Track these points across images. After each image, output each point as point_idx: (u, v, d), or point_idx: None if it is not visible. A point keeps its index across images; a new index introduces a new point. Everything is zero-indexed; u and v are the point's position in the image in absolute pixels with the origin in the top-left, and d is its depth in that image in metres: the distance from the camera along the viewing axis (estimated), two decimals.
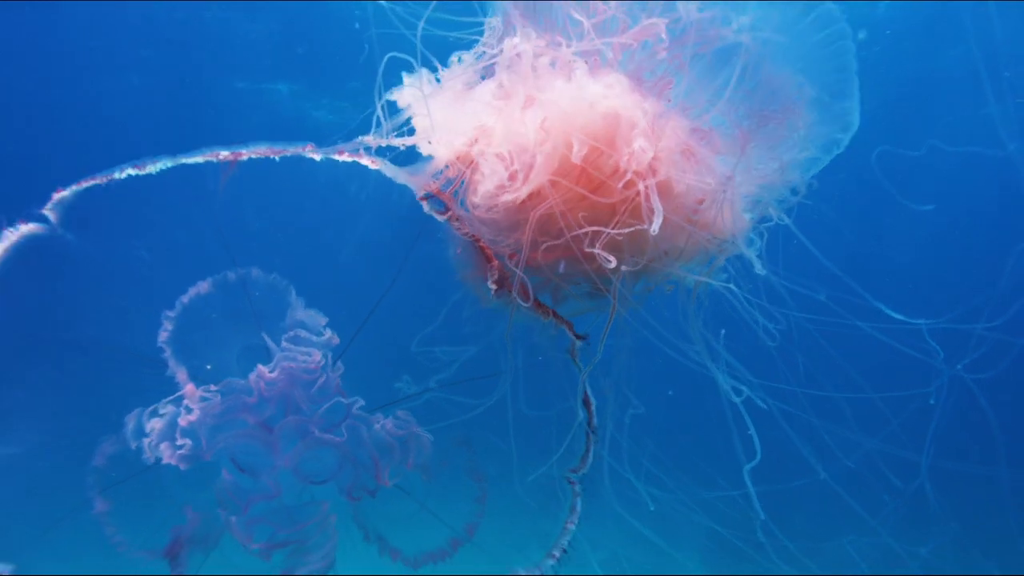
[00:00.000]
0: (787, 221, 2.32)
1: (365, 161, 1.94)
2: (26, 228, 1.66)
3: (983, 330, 3.07)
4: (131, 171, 1.70)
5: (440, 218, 2.00)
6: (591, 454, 2.06)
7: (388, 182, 1.93)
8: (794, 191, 2.29)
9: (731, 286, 2.21)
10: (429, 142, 2.04)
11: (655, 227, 1.79)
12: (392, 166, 2.04)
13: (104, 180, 1.73)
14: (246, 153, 1.81)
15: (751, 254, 2.19)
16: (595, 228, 1.91)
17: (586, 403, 2.05)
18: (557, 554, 1.97)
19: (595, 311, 2.32)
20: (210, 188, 1.81)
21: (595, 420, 2.07)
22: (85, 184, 1.73)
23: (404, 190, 1.95)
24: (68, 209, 1.69)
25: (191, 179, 1.80)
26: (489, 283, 2.00)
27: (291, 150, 1.87)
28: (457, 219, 2.01)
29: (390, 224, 2.00)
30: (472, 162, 2.02)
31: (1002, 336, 3.08)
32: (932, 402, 2.95)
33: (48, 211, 1.68)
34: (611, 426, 2.35)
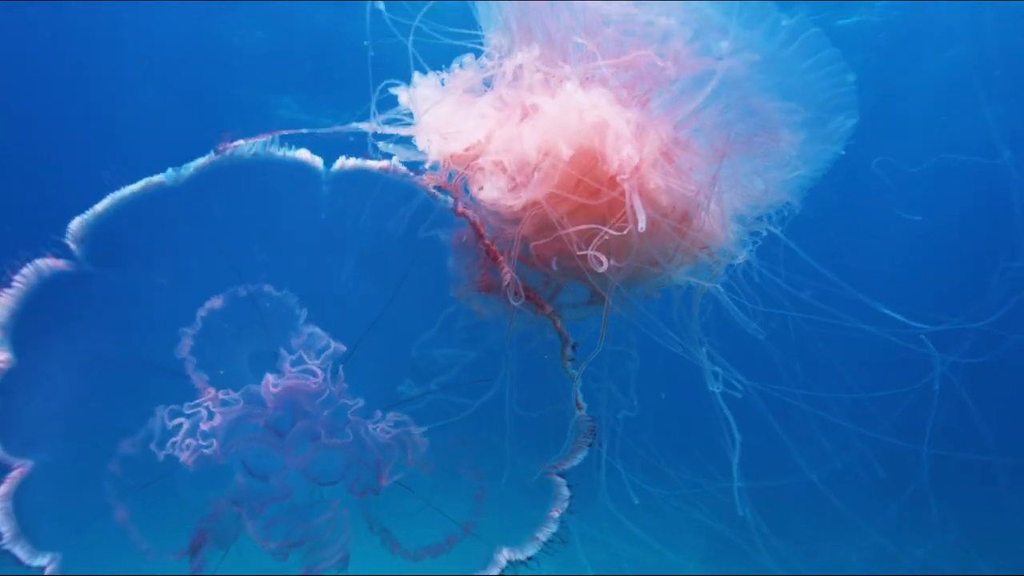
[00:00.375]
0: (778, 232, 2.40)
1: (371, 164, 2.06)
2: (53, 264, 1.80)
3: (969, 325, 3.13)
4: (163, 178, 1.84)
5: (451, 201, 2.11)
6: (578, 454, 2.17)
7: (384, 210, 2.06)
8: (787, 205, 2.37)
9: (718, 287, 2.30)
10: (428, 141, 2.15)
11: (641, 225, 1.89)
12: (401, 147, 2.16)
13: (125, 193, 1.84)
14: (243, 142, 1.94)
15: (740, 255, 2.28)
16: (587, 227, 2.00)
17: (577, 406, 2.17)
18: (542, 537, 2.09)
19: (592, 316, 2.41)
20: (217, 218, 1.96)
21: (587, 423, 2.18)
22: (107, 201, 1.85)
23: (400, 218, 2.07)
24: (90, 244, 1.83)
25: (197, 209, 1.93)
26: (503, 275, 2.11)
27: (281, 146, 1.98)
28: (467, 215, 2.12)
29: (387, 246, 2.11)
30: (473, 164, 2.12)
31: (995, 331, 3.13)
32: (937, 388, 3.01)
33: (71, 245, 1.82)
34: (606, 428, 2.44)
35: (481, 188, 2.08)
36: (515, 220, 2.10)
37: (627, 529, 2.88)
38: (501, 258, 2.11)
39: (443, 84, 2.20)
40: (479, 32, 2.34)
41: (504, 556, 2.11)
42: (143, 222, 1.84)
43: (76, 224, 1.80)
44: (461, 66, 2.23)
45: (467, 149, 2.12)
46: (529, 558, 2.10)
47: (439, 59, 2.26)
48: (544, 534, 2.10)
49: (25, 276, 1.75)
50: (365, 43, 2.25)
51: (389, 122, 2.20)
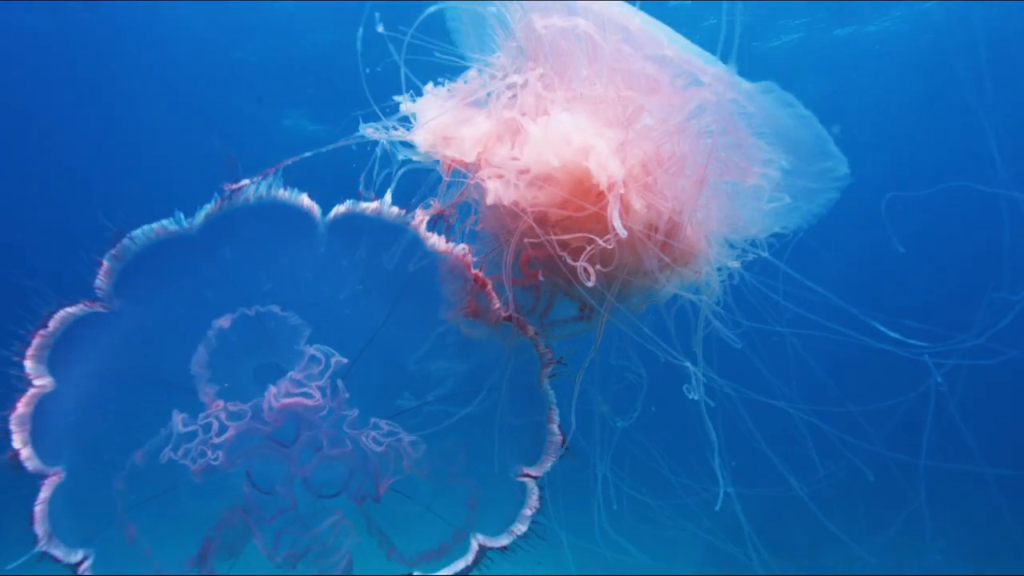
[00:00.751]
0: (766, 255, 2.46)
1: (363, 207, 2.17)
2: (85, 307, 2.04)
3: (966, 342, 3.16)
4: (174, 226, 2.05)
5: (440, 241, 2.21)
6: (549, 462, 2.33)
7: (377, 247, 2.21)
8: (780, 233, 2.45)
9: (702, 296, 2.37)
10: (430, 145, 2.25)
11: (621, 234, 1.98)
12: (404, 148, 2.26)
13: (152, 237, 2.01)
14: (247, 181, 2.10)
15: (731, 271, 2.36)
16: (575, 236, 2.09)
17: (550, 419, 2.31)
18: (516, 531, 2.27)
19: (583, 333, 2.49)
20: (226, 259, 2.14)
21: (558, 435, 2.33)
22: (130, 246, 2.02)
23: (392, 254, 2.20)
24: (115, 286, 2.05)
25: (208, 251, 2.11)
26: (492, 303, 2.22)
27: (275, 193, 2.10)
28: (452, 252, 2.22)
29: (381, 277, 2.23)
30: (473, 174, 2.22)
31: (990, 345, 3.16)
32: (939, 381, 3.05)
33: (98, 290, 2.04)
34: (598, 440, 2.51)
35: (483, 187, 2.18)
36: (515, 215, 2.19)
37: (619, 542, 2.93)
38: (489, 286, 2.22)
39: (448, 92, 2.30)
40: (480, 53, 2.44)
41: (478, 541, 2.27)
42: (161, 263, 2.07)
43: (103, 270, 2.03)
44: (465, 81, 2.32)
45: (466, 159, 2.22)
46: (504, 547, 2.27)
47: (443, 77, 2.37)
48: (519, 529, 2.28)
49: (61, 318, 2.02)
50: (367, 70, 2.34)
51: (394, 128, 2.31)
